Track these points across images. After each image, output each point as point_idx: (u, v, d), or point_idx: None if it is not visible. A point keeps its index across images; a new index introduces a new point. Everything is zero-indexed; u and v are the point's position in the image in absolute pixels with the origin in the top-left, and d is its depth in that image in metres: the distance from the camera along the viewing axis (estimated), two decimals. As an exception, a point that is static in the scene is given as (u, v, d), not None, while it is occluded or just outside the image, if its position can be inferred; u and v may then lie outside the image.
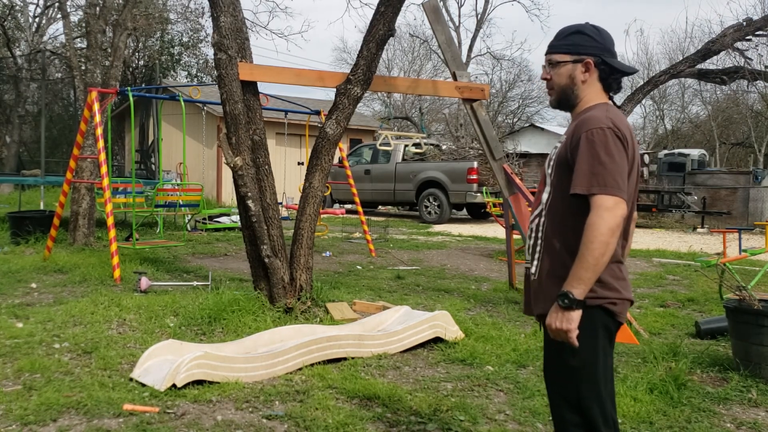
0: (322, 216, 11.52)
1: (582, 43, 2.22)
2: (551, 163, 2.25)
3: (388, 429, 3.32)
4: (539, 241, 2.25)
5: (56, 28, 41.98)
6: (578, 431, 2.19)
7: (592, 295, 2.08)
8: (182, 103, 8.50)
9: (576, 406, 2.18)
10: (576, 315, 2.04)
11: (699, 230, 16.43)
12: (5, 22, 22.35)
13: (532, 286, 2.28)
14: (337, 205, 16.49)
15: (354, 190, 10.23)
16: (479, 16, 31.74)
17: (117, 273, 6.84)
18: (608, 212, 2.00)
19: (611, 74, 2.23)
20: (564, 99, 2.28)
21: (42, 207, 13.03)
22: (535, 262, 2.26)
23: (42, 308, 5.49)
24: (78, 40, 19.00)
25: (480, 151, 16.04)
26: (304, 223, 5.61)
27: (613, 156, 2.04)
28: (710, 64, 21.38)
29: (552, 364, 2.26)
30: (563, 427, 2.23)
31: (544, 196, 2.25)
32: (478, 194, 15.19)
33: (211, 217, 12.58)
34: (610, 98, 2.27)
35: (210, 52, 23.28)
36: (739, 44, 18.82)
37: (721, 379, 4.17)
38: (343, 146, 11.53)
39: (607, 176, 2.03)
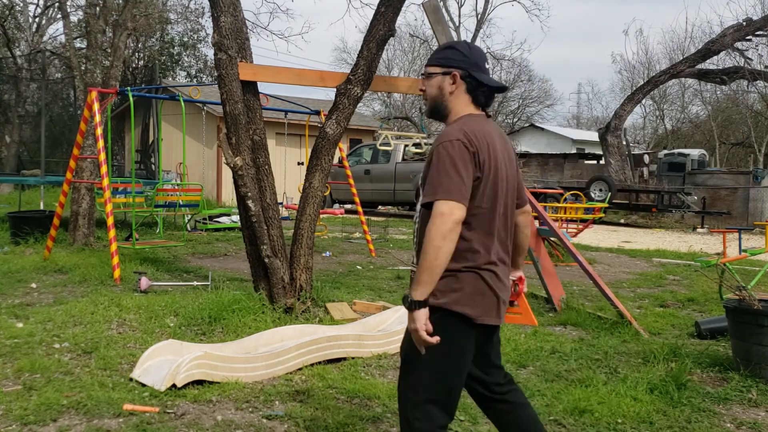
0: (321, 216, 11.51)
1: (452, 57, 2.35)
2: (423, 175, 2.38)
3: (388, 429, 3.32)
4: (416, 246, 2.36)
5: (56, 28, 42.04)
6: (419, 423, 2.26)
7: (436, 298, 2.19)
8: (182, 103, 8.50)
9: (414, 396, 2.28)
10: (419, 314, 2.14)
11: (699, 230, 16.44)
12: (5, 22, 22.35)
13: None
14: (336, 205, 16.48)
15: (354, 190, 10.23)
16: (479, 16, 31.73)
17: (117, 273, 6.83)
18: (440, 218, 2.12)
19: (478, 87, 2.34)
20: (435, 109, 2.40)
21: (42, 207, 13.01)
22: (412, 266, 2.40)
23: (42, 308, 5.49)
24: (78, 40, 19.01)
25: (480, 151, 16.02)
26: (304, 223, 5.61)
27: (455, 166, 2.16)
28: (710, 64, 21.43)
29: (404, 353, 2.35)
30: (404, 415, 2.30)
31: (418, 205, 2.37)
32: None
33: (211, 217, 12.57)
34: (483, 110, 2.39)
35: (210, 52, 23.32)
36: (739, 44, 18.85)
37: (721, 379, 4.17)
38: (343, 146, 11.52)
39: (448, 185, 2.14)
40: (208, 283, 6.49)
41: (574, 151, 30.02)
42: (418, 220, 2.36)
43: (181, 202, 9.28)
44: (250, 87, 5.51)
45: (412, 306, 2.15)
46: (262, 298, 5.40)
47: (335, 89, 5.63)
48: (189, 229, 11.64)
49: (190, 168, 17.60)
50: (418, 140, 16.81)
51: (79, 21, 20.02)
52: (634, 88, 24.32)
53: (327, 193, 6.75)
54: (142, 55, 25.65)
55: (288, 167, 13.38)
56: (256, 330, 4.77)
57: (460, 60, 2.34)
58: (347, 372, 4.09)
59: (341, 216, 13.49)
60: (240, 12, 5.43)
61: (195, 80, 26.69)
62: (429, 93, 2.40)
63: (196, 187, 9.42)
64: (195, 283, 6.72)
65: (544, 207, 9.94)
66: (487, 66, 2.38)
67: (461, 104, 2.35)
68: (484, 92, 2.36)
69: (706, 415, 3.59)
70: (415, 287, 2.15)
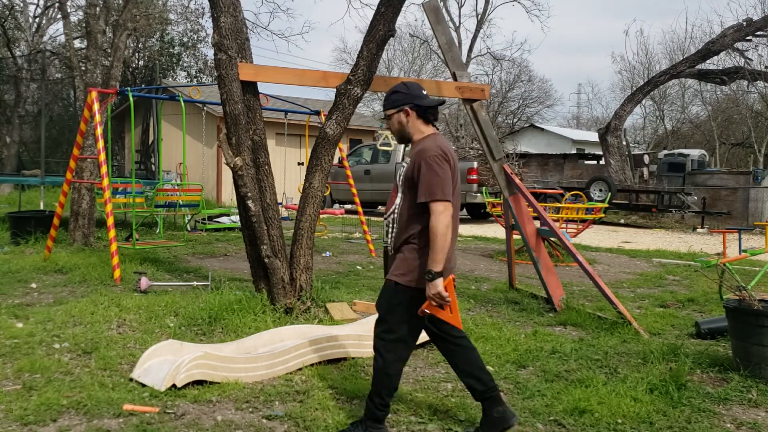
0: (321, 216, 11.51)
1: (398, 99, 3.22)
2: (401, 178, 3.20)
3: (388, 429, 3.31)
4: (393, 230, 3.22)
5: (56, 29, 42.04)
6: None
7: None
8: (182, 104, 8.50)
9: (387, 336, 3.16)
10: (438, 283, 2.94)
11: (699, 230, 16.43)
12: (5, 23, 22.36)
13: (391, 259, 3.21)
14: (336, 205, 16.48)
15: (354, 190, 10.23)
16: (479, 16, 31.75)
17: (117, 273, 6.83)
18: (441, 215, 2.95)
19: (426, 111, 3.20)
20: (401, 136, 3.27)
21: (42, 207, 13.00)
22: (391, 242, 3.23)
23: (42, 308, 5.49)
24: (78, 40, 19.02)
25: (480, 152, 16.04)
26: (304, 224, 5.61)
27: (439, 174, 2.99)
28: (710, 65, 21.44)
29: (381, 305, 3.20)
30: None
31: (397, 200, 3.21)
32: (478, 194, 15.19)
33: (211, 217, 12.57)
34: (433, 125, 3.24)
35: (210, 52, 23.34)
36: (739, 44, 18.87)
37: (721, 379, 4.17)
38: (343, 146, 11.53)
39: (437, 188, 2.96)
40: (208, 283, 6.49)
41: (574, 151, 30.05)
42: (396, 210, 3.19)
43: (181, 202, 9.28)
44: (250, 87, 5.50)
45: (434, 277, 2.93)
46: (262, 298, 5.39)
47: (335, 89, 5.63)
48: (189, 229, 11.65)
49: (190, 168, 17.60)
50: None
51: (79, 21, 20.03)
52: (634, 89, 24.33)
53: (327, 193, 6.75)
54: (142, 55, 25.66)
55: (288, 167, 13.38)
56: (256, 330, 4.77)
57: (404, 98, 3.19)
58: (347, 372, 4.09)
59: (341, 216, 13.49)
60: (240, 12, 5.43)
61: (195, 80, 26.70)
62: (393, 128, 3.27)
63: (196, 187, 9.42)
64: (195, 283, 6.72)
65: (545, 207, 9.94)
66: (424, 92, 3.22)
67: (418, 127, 3.21)
68: (430, 112, 3.21)
69: (706, 415, 3.59)
70: (434, 264, 2.94)
